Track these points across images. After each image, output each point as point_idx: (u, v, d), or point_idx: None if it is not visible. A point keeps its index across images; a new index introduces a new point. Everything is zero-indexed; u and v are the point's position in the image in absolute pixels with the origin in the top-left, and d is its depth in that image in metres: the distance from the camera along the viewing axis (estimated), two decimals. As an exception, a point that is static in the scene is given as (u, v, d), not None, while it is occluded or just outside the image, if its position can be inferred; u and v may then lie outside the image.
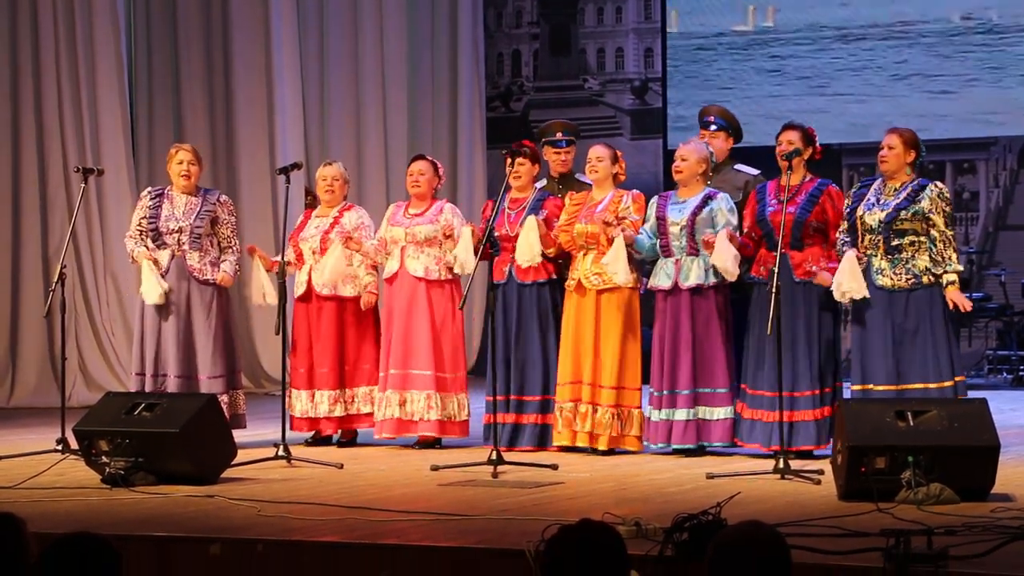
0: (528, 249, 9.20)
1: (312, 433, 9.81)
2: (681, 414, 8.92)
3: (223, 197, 9.85)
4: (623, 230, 8.93)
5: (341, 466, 8.62)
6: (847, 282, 8.42)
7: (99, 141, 13.64)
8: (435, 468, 8.41)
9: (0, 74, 13.74)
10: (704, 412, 8.92)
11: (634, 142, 14.99)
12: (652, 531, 5.86)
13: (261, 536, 6.35)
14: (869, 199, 8.48)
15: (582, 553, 4.13)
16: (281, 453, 8.74)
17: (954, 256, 8.34)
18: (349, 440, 9.86)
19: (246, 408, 9.78)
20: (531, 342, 9.42)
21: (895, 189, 8.43)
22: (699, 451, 8.94)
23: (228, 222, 9.73)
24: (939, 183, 8.52)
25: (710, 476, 7.94)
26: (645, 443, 9.09)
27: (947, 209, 8.37)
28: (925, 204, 8.33)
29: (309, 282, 9.75)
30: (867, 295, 8.39)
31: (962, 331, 13.67)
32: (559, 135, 9.91)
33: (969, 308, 8.41)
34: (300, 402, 9.79)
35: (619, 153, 9.40)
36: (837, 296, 8.47)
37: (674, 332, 8.93)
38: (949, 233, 8.36)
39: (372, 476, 8.40)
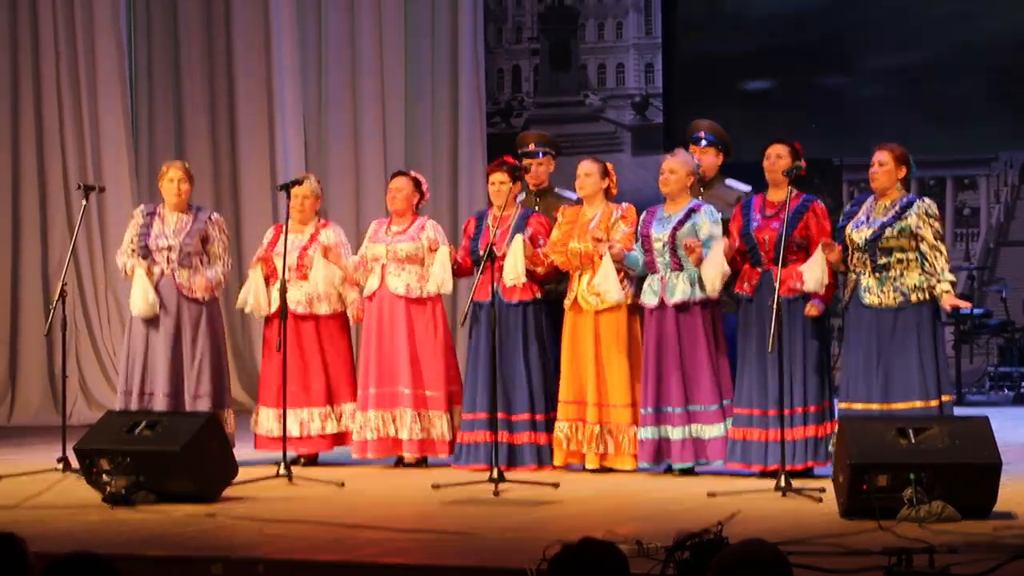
0: (513, 268, 9.09)
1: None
2: (677, 432, 8.78)
3: (215, 215, 9.82)
4: (611, 247, 8.84)
5: (343, 484, 8.60)
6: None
7: (100, 156, 13.63)
8: (436, 486, 8.40)
9: (0, 85, 13.74)
10: (697, 430, 8.78)
11: (636, 158, 14.98)
12: (653, 549, 5.84)
13: (263, 555, 6.34)
14: (859, 218, 8.39)
15: (584, 572, 4.11)
16: (282, 471, 8.73)
17: (946, 267, 8.21)
18: (310, 460, 9.64)
19: (236, 428, 9.66)
20: (515, 362, 9.25)
21: (885, 207, 8.35)
22: (694, 470, 8.82)
23: (219, 239, 9.69)
24: (928, 199, 8.41)
25: (711, 494, 7.93)
26: (640, 463, 8.90)
27: (936, 224, 8.25)
28: (912, 220, 8.23)
29: (283, 300, 9.60)
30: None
31: (963, 347, 13.67)
32: (532, 146, 9.83)
33: (969, 306, 8.33)
34: (268, 420, 9.66)
35: (610, 166, 9.24)
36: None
37: (661, 349, 8.79)
38: (941, 246, 8.23)
39: (374, 494, 8.39)
